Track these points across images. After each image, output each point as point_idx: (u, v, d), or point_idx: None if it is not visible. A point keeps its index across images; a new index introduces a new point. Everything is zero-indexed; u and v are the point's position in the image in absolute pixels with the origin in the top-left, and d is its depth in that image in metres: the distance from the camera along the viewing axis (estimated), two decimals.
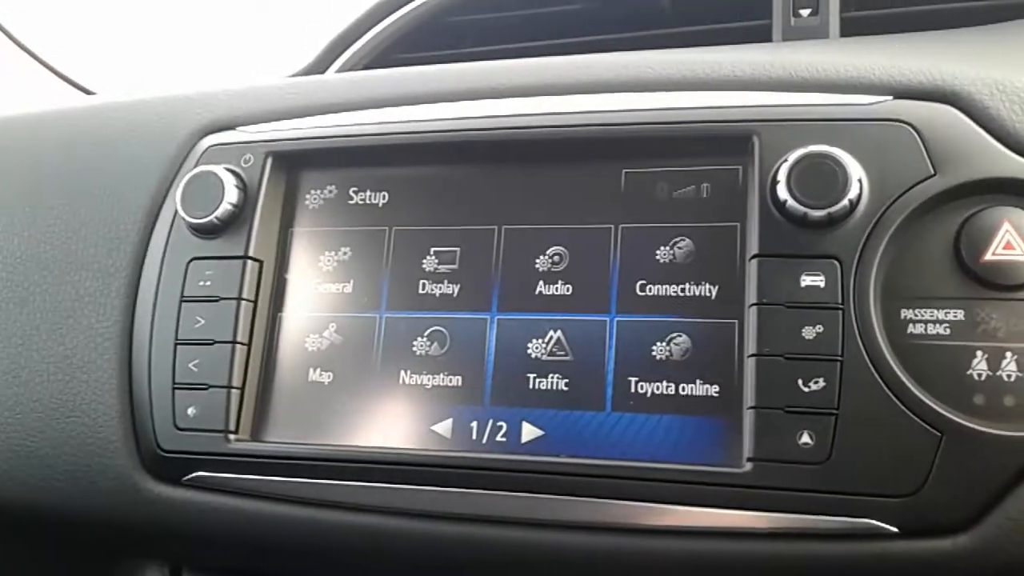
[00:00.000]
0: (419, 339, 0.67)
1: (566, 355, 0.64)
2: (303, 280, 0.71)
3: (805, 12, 0.83)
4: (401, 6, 1.01)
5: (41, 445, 0.73)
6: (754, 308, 0.58)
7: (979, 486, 0.54)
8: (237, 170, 0.72)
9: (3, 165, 0.84)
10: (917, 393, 0.55)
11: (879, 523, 0.55)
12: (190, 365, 0.69)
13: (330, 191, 0.72)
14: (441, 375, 0.66)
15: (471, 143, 0.69)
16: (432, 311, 0.67)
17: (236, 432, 0.67)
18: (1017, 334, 0.55)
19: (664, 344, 0.62)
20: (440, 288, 0.68)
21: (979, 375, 0.55)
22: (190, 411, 0.68)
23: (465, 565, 0.65)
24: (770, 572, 0.58)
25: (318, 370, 0.69)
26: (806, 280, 0.58)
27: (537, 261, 0.66)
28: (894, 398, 0.55)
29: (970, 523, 0.54)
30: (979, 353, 0.55)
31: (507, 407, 0.64)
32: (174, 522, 0.70)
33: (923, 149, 0.58)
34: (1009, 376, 0.54)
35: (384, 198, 0.71)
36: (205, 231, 0.71)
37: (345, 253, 0.71)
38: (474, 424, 0.64)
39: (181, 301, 0.71)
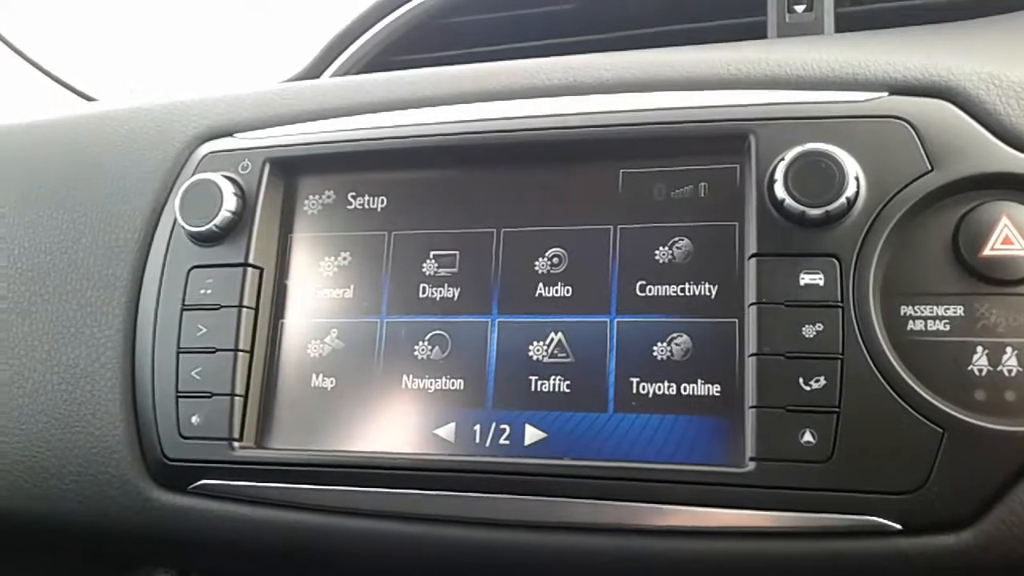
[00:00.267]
0: (420, 343, 0.67)
1: (567, 357, 0.64)
2: (304, 286, 0.71)
3: (800, 8, 0.83)
4: (396, 8, 1.01)
5: (47, 455, 0.73)
6: (754, 307, 0.59)
7: (981, 481, 0.54)
8: (235, 177, 0.72)
9: (1, 175, 0.84)
10: (918, 390, 0.55)
11: (882, 520, 0.55)
12: (193, 373, 0.69)
13: (329, 196, 0.73)
14: (443, 379, 0.66)
15: (468, 146, 0.69)
16: (433, 315, 0.68)
17: (240, 439, 0.68)
18: (1017, 329, 0.55)
19: (665, 344, 0.62)
20: (440, 292, 0.68)
21: (980, 371, 0.55)
22: (194, 419, 0.68)
23: (471, 568, 0.65)
24: (775, 571, 0.58)
25: (320, 376, 0.69)
26: (805, 278, 0.58)
27: (536, 263, 0.66)
28: (895, 395, 0.55)
29: (973, 518, 0.54)
30: (979, 348, 0.55)
31: (510, 410, 0.64)
32: (180, 530, 0.70)
33: (920, 145, 0.58)
34: (1010, 371, 0.55)
35: (383, 202, 0.71)
36: (205, 239, 0.71)
37: (345, 258, 0.71)
38: (477, 427, 0.64)
39: (182, 310, 0.71)
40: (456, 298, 0.67)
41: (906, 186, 0.58)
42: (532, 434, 0.63)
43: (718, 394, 0.60)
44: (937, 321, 0.56)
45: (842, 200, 0.57)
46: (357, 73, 1.03)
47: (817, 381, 0.56)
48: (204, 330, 0.70)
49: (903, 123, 0.59)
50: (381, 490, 0.64)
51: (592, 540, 0.60)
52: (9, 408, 0.75)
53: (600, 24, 0.94)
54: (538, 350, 0.64)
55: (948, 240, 0.57)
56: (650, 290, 0.63)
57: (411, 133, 0.70)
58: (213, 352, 0.69)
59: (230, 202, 0.70)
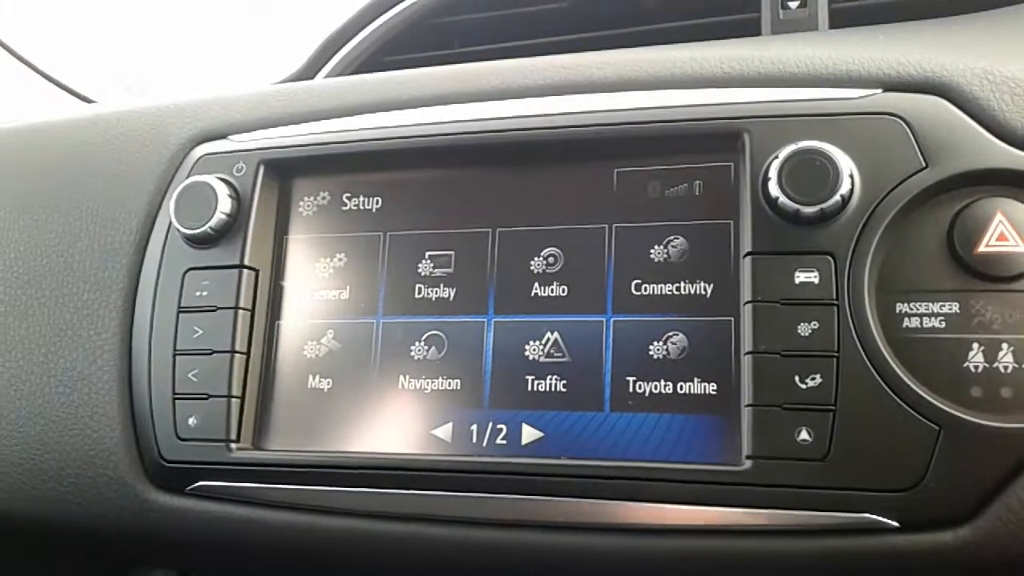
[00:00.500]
0: (417, 343, 0.67)
1: (563, 356, 0.64)
2: (299, 287, 0.71)
3: (794, 4, 0.83)
4: (389, 8, 1.01)
5: (45, 458, 0.73)
6: (749, 306, 0.59)
7: (978, 478, 0.54)
8: (230, 179, 0.72)
9: None
10: (914, 387, 0.55)
11: (879, 518, 0.55)
12: (190, 375, 0.69)
13: (323, 198, 0.73)
14: (440, 379, 0.66)
15: (463, 146, 0.69)
16: (429, 315, 0.68)
17: (238, 441, 0.68)
18: (1012, 325, 0.55)
19: (661, 343, 0.62)
20: (436, 292, 0.68)
21: (975, 367, 0.55)
22: (191, 421, 0.68)
23: (468, 568, 0.65)
24: (772, 569, 0.58)
25: (317, 377, 0.69)
26: (800, 276, 0.58)
27: (532, 263, 0.66)
28: (891, 393, 0.55)
29: (970, 515, 0.54)
30: (975, 345, 0.55)
31: (506, 410, 0.64)
32: (179, 531, 0.70)
33: (914, 142, 0.58)
34: (1006, 368, 0.55)
35: (378, 203, 0.71)
36: (200, 241, 0.71)
37: (340, 259, 0.71)
38: (474, 427, 0.64)
39: (179, 312, 0.71)
40: (452, 298, 0.67)
41: (900, 183, 0.58)
42: (529, 434, 0.63)
43: (714, 393, 0.60)
44: (932, 318, 0.56)
45: (836, 198, 0.57)
46: (351, 74, 1.03)
47: (813, 379, 0.56)
48: (200, 332, 0.70)
49: (897, 120, 0.59)
50: (378, 491, 0.64)
51: (589, 539, 0.60)
52: (7, 411, 0.75)
53: (593, 22, 0.93)
54: (534, 350, 0.64)
55: (943, 237, 0.57)
56: (646, 289, 0.63)
57: (406, 134, 0.70)
58: (209, 354, 0.69)
59: (225, 204, 0.70)
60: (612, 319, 0.63)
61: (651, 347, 0.62)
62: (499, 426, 0.64)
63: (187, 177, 0.73)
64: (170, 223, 0.72)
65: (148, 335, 0.72)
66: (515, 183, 0.68)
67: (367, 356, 0.68)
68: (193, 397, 0.69)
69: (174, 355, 0.70)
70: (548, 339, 0.64)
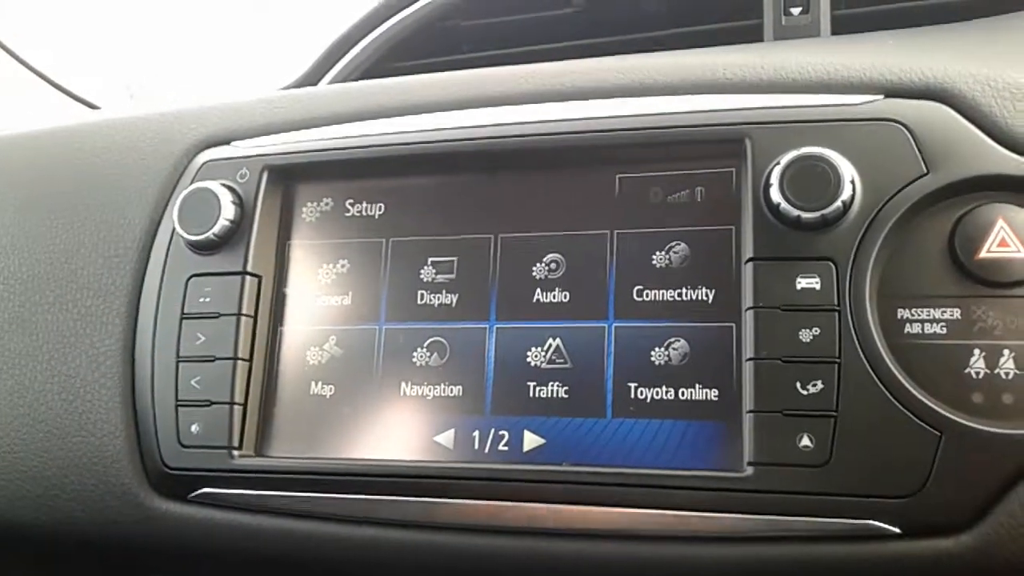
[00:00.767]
0: (419, 350, 0.67)
1: (565, 363, 0.64)
2: (302, 294, 0.71)
3: (796, 11, 0.83)
4: (395, 13, 1.01)
5: (47, 465, 0.73)
6: (750, 312, 0.59)
7: (980, 484, 0.54)
8: (233, 185, 0.72)
9: (1, 184, 0.84)
10: (915, 393, 0.55)
11: (881, 524, 0.55)
12: (192, 382, 0.69)
13: (327, 204, 0.73)
14: (442, 385, 0.66)
15: (466, 153, 0.69)
16: (431, 321, 0.68)
17: (240, 448, 0.68)
18: (1014, 331, 0.55)
19: (663, 349, 0.62)
20: (438, 298, 0.68)
21: (977, 373, 0.55)
22: (194, 428, 0.69)
23: (470, 575, 0.65)
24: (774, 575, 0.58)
25: (319, 383, 0.69)
26: (802, 282, 0.58)
27: (534, 269, 0.66)
28: (892, 399, 0.55)
29: (972, 522, 0.54)
30: (976, 351, 0.55)
31: (508, 416, 0.64)
32: (181, 538, 0.70)
33: (915, 148, 0.58)
34: (1007, 374, 0.54)
35: (380, 209, 0.71)
36: (203, 247, 0.71)
37: (343, 265, 0.71)
38: (476, 434, 0.64)
39: (182, 318, 0.71)
40: (454, 304, 0.67)
41: (902, 189, 0.58)
42: (531, 440, 0.63)
43: (716, 399, 0.60)
44: (934, 324, 0.56)
45: (838, 204, 0.57)
46: (356, 79, 1.03)
47: (814, 385, 0.56)
48: (203, 338, 0.70)
49: (898, 126, 0.59)
50: (380, 497, 0.64)
51: (591, 546, 0.60)
52: (10, 418, 0.75)
53: (599, 28, 0.94)
54: (536, 356, 0.64)
55: (944, 243, 0.57)
56: (647, 295, 0.63)
57: (409, 140, 0.70)
58: (212, 360, 0.69)
59: (228, 210, 0.70)
60: (614, 325, 0.63)
61: (653, 353, 0.62)
62: (501, 432, 0.64)
63: (191, 183, 0.74)
64: (173, 229, 0.72)
65: (151, 342, 0.72)
66: (517, 189, 0.68)
67: (369, 362, 0.68)
68: (196, 404, 0.69)
69: (177, 362, 0.70)
70: (550, 345, 0.64)
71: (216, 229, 0.70)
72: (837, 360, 0.56)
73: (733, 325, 0.61)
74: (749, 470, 0.57)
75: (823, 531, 0.56)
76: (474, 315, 0.67)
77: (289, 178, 0.74)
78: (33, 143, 0.86)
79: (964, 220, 0.57)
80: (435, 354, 0.67)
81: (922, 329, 0.56)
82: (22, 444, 0.74)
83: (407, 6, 1.01)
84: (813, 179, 0.57)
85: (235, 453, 0.67)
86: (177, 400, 0.69)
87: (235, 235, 0.71)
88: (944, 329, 0.56)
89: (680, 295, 0.62)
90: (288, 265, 0.72)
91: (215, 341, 0.69)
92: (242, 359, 0.69)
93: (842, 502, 0.55)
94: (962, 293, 0.56)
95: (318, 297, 0.71)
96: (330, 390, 0.69)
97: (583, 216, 0.66)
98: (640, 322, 0.63)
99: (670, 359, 0.62)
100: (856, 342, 0.56)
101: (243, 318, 0.69)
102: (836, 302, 0.57)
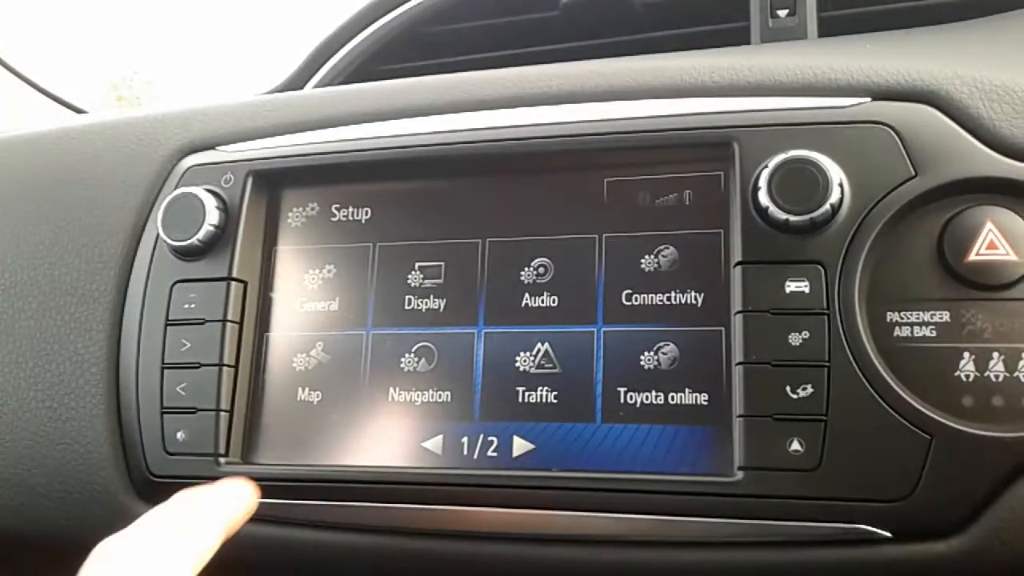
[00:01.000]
0: (407, 355, 0.67)
1: (554, 367, 0.64)
2: (288, 299, 0.71)
3: (783, 13, 0.83)
4: (380, 17, 1.00)
5: (32, 473, 0.73)
6: (740, 316, 0.58)
7: (971, 488, 0.54)
8: (218, 191, 0.72)
9: None
10: (905, 396, 0.55)
11: (872, 528, 0.55)
12: (178, 389, 0.69)
13: (312, 209, 0.72)
14: (430, 391, 0.66)
15: (452, 157, 0.68)
16: (419, 327, 0.67)
17: (226, 455, 0.67)
18: (1003, 334, 0.55)
19: (652, 354, 0.62)
20: (426, 303, 0.67)
21: (967, 376, 0.55)
22: (179, 435, 0.68)
23: None
24: None
25: (306, 389, 0.69)
26: (791, 286, 0.58)
27: (522, 273, 0.66)
28: (882, 402, 0.55)
29: (963, 525, 0.54)
30: (966, 354, 0.55)
31: (497, 421, 0.64)
32: None
33: (903, 150, 0.58)
34: (996, 377, 0.54)
35: (367, 214, 0.71)
36: (188, 253, 0.71)
37: (329, 271, 0.70)
38: (465, 440, 0.64)
39: (166, 324, 0.70)
40: (442, 309, 0.67)
41: (890, 192, 0.58)
42: (520, 445, 0.63)
43: (705, 403, 0.60)
44: (923, 327, 0.56)
45: (826, 207, 0.56)
46: (341, 83, 1.02)
47: (804, 389, 0.56)
48: (188, 345, 0.69)
49: (886, 128, 0.59)
50: (368, 504, 0.64)
51: (581, 552, 0.60)
52: None
53: (583, 32, 0.93)
54: (525, 361, 0.64)
55: (933, 246, 0.57)
56: (636, 299, 0.63)
57: (395, 144, 0.70)
58: (198, 367, 0.68)
59: (213, 216, 0.70)
60: (603, 329, 0.63)
61: (642, 357, 0.62)
62: (490, 438, 0.64)
63: (175, 188, 0.73)
64: (158, 235, 0.72)
65: (136, 348, 0.71)
66: (505, 193, 0.68)
67: (357, 368, 0.68)
68: (181, 411, 0.68)
69: (162, 368, 0.70)
70: (539, 350, 0.64)
71: (201, 235, 0.69)
72: (827, 364, 0.56)
73: (722, 329, 0.60)
74: (739, 475, 0.57)
75: (814, 535, 0.56)
76: (462, 320, 0.66)
77: (274, 183, 0.73)
78: (17, 146, 0.86)
79: (953, 223, 0.57)
80: (423, 359, 0.66)
81: (911, 332, 0.56)
82: (6, 451, 0.74)
83: (392, 9, 1.01)
84: (801, 182, 0.57)
85: (221, 460, 0.67)
86: (162, 407, 0.69)
87: (220, 240, 0.70)
88: (933, 332, 0.56)
89: (669, 299, 0.62)
90: (274, 271, 0.72)
91: (200, 347, 0.69)
92: (228, 365, 0.68)
93: (833, 506, 0.55)
94: (951, 296, 0.56)
95: (304, 303, 0.70)
96: (317, 396, 0.68)
97: (571, 220, 0.66)
98: (629, 326, 0.63)
99: (659, 363, 0.61)
100: (845, 346, 0.56)
101: (229, 324, 0.69)
102: (825, 305, 0.57)
